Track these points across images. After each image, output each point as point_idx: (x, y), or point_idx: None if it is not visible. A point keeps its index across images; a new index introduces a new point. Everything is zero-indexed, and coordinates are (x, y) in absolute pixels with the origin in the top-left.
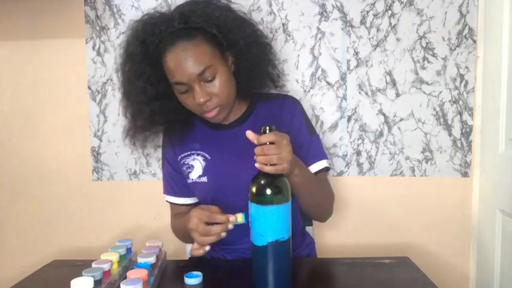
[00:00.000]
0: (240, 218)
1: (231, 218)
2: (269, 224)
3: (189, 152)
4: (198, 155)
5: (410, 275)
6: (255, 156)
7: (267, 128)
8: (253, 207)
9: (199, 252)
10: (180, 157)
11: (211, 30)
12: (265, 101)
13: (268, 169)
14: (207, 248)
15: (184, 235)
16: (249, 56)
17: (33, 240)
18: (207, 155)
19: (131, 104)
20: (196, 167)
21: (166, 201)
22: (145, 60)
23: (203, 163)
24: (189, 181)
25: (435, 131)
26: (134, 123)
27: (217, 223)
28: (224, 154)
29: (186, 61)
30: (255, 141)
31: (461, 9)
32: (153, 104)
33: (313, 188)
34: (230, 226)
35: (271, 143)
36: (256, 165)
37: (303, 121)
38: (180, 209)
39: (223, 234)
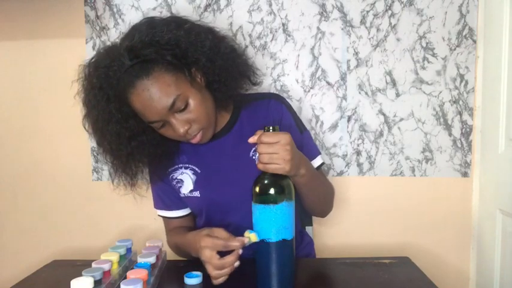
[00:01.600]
0: (253, 237)
1: (245, 240)
2: (272, 223)
3: (177, 166)
4: (186, 168)
5: (410, 275)
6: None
7: (270, 127)
8: (255, 207)
9: (220, 281)
10: (167, 171)
11: (167, 58)
12: (249, 103)
13: (261, 167)
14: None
15: (185, 255)
16: (215, 68)
17: (33, 240)
18: (196, 169)
19: (108, 149)
20: (186, 182)
21: (159, 215)
22: (109, 105)
23: (193, 177)
24: (181, 195)
25: (435, 131)
26: (117, 167)
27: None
28: (213, 166)
29: (152, 100)
30: (250, 140)
31: (461, 9)
32: (130, 144)
33: (318, 186)
34: (240, 251)
35: (270, 142)
36: (256, 162)
37: (292, 119)
38: (174, 223)
39: (237, 264)
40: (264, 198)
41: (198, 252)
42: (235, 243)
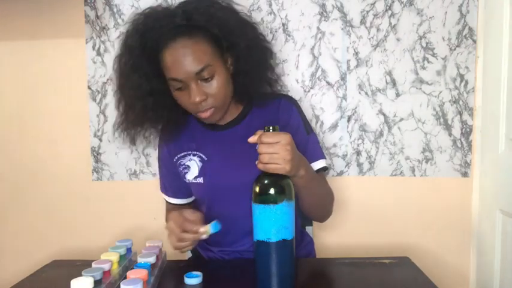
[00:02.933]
0: (207, 228)
1: (201, 229)
2: (272, 223)
3: (185, 153)
4: (194, 155)
5: (410, 275)
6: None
7: (270, 127)
8: (255, 207)
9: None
10: (176, 158)
11: (213, 30)
12: (261, 101)
13: (261, 167)
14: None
15: None
16: (249, 59)
17: (33, 240)
18: (203, 156)
19: (124, 98)
20: (192, 168)
21: (163, 197)
22: (143, 54)
23: (199, 164)
24: (186, 181)
25: (435, 131)
26: (126, 117)
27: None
28: (220, 155)
29: (185, 58)
30: (251, 140)
31: (461, 9)
32: (147, 99)
33: (317, 190)
34: (203, 236)
35: (270, 142)
36: (256, 162)
37: (300, 120)
38: (173, 207)
39: (205, 236)
40: (264, 198)
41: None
42: (191, 226)
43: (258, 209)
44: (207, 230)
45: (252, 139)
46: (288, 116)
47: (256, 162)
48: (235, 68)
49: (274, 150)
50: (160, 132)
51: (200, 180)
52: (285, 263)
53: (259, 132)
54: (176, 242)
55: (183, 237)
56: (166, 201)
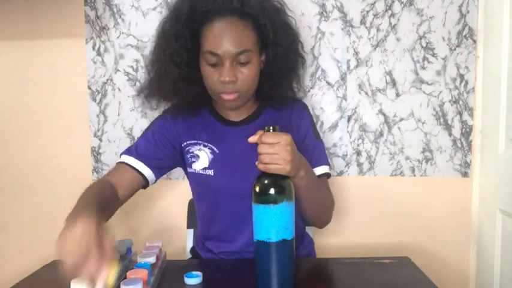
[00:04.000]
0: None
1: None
2: (272, 223)
3: (196, 141)
4: (205, 146)
5: (410, 275)
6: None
7: (271, 127)
8: (255, 207)
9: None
10: (185, 143)
11: (263, 22)
12: (276, 102)
13: (261, 167)
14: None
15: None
16: (284, 61)
17: (33, 240)
18: (215, 149)
19: (161, 62)
20: (202, 158)
21: (118, 162)
22: (188, 23)
23: (210, 156)
24: (190, 170)
25: (435, 131)
26: (157, 82)
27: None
28: (233, 151)
29: (230, 35)
30: (251, 140)
31: (461, 9)
32: (183, 69)
33: (317, 193)
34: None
35: (270, 143)
36: (256, 163)
37: (310, 124)
38: (121, 175)
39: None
40: (264, 198)
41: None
42: (94, 264)
43: (258, 209)
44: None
45: (252, 139)
46: (299, 119)
47: (257, 162)
48: (268, 65)
49: (274, 151)
50: (172, 105)
51: (210, 172)
52: (285, 263)
53: (260, 132)
54: (71, 268)
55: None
56: (123, 164)
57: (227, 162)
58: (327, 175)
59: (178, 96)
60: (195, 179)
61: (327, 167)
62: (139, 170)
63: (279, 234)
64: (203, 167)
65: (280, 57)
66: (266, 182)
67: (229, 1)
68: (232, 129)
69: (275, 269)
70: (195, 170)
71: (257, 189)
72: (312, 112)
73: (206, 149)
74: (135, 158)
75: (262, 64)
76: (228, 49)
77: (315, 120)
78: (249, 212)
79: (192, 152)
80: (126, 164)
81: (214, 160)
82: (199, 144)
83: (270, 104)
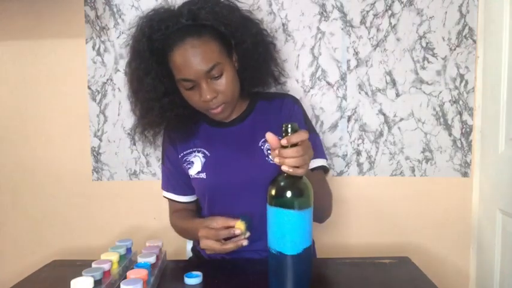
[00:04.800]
0: (241, 226)
1: (237, 231)
2: (304, 230)
3: (191, 150)
4: (198, 151)
5: (410, 275)
6: (277, 159)
7: (289, 126)
8: (274, 211)
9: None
10: (181, 155)
11: (220, 29)
12: (265, 99)
13: (301, 171)
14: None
15: (188, 237)
16: (254, 54)
17: (33, 240)
18: (206, 152)
19: (140, 102)
20: (196, 163)
21: (164, 196)
22: (152, 57)
23: (202, 159)
24: (190, 176)
25: (435, 131)
26: (144, 120)
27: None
28: (223, 151)
29: (195, 58)
30: (276, 146)
31: (461, 9)
32: (163, 100)
33: (319, 190)
34: (245, 243)
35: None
36: (284, 168)
37: (302, 118)
38: (178, 206)
39: (244, 243)
40: (284, 202)
41: (201, 244)
42: (224, 231)
43: (276, 214)
44: (242, 229)
45: (272, 139)
46: (290, 114)
47: (284, 167)
48: (241, 64)
49: (304, 152)
50: (165, 130)
51: (203, 175)
52: (304, 270)
53: (268, 137)
54: (222, 249)
55: (225, 249)
56: (172, 201)
57: (217, 164)
58: (323, 168)
59: (169, 123)
60: (193, 184)
61: (324, 160)
62: (189, 200)
63: (301, 241)
64: (197, 171)
65: (249, 53)
66: (292, 185)
67: (179, 21)
68: (223, 130)
69: (291, 276)
70: (191, 175)
71: (279, 193)
72: (312, 112)
73: (199, 154)
74: (180, 194)
75: (237, 64)
76: (198, 71)
77: (315, 120)
78: (247, 211)
79: (188, 160)
80: (172, 200)
81: (206, 163)
82: (194, 151)
83: (259, 101)
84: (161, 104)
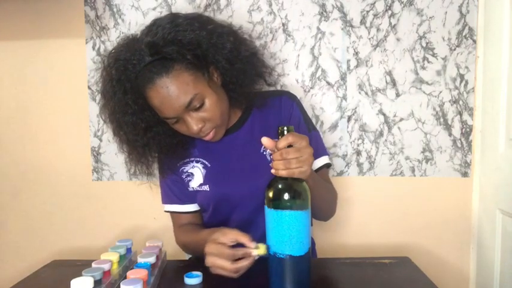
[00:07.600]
0: (262, 250)
1: (254, 252)
2: (301, 232)
3: (188, 159)
4: (197, 162)
5: (410, 275)
6: (272, 163)
7: (285, 128)
8: (272, 213)
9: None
10: (179, 164)
11: (188, 57)
12: (261, 100)
13: (284, 173)
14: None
15: (196, 254)
16: (233, 70)
17: (33, 240)
18: (206, 163)
19: (125, 140)
20: (196, 175)
21: (166, 211)
22: (125, 96)
23: (203, 171)
24: (190, 189)
25: (435, 131)
26: (132, 154)
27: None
28: (224, 161)
29: (170, 98)
30: (273, 149)
31: (461, 9)
32: (146, 135)
33: (323, 189)
34: (255, 257)
35: (290, 145)
36: (272, 170)
37: (301, 116)
38: (183, 219)
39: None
40: (279, 204)
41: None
42: (242, 251)
43: (275, 215)
44: (259, 251)
45: (267, 143)
46: (289, 113)
47: (273, 170)
48: (223, 79)
49: (300, 154)
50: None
51: (206, 187)
52: (303, 272)
53: (266, 139)
54: (233, 274)
55: (238, 268)
56: (175, 214)
57: (221, 174)
58: (328, 165)
59: (160, 151)
60: (195, 196)
61: (326, 157)
62: (189, 210)
63: (307, 242)
64: (199, 183)
65: (227, 71)
66: (287, 187)
67: (143, 60)
68: (221, 139)
69: (291, 278)
70: (193, 188)
71: (270, 194)
72: (312, 112)
73: (199, 165)
74: (186, 203)
75: (219, 79)
76: (176, 109)
77: (315, 120)
78: (250, 217)
79: (187, 171)
80: (175, 211)
81: (207, 175)
82: (192, 161)
83: (255, 105)
84: (145, 139)
